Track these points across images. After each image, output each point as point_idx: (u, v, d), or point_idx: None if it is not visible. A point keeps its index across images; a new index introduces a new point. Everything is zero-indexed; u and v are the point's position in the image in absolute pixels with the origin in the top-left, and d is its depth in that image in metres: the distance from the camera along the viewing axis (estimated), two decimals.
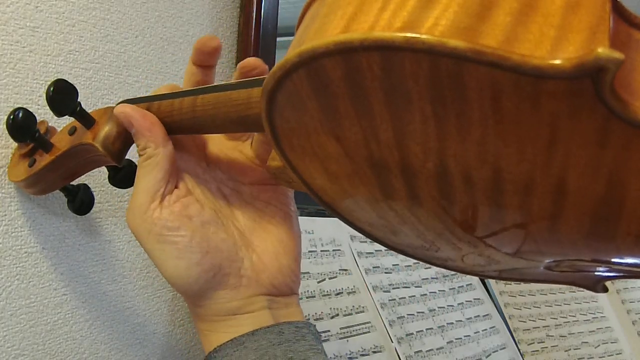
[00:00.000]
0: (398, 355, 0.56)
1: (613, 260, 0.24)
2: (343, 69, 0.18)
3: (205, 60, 0.34)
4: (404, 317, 0.59)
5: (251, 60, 0.33)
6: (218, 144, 0.36)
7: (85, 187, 0.41)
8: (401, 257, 0.32)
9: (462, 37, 0.16)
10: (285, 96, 0.21)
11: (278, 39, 0.54)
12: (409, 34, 0.16)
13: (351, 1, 0.18)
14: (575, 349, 0.77)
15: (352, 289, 0.57)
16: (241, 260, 0.33)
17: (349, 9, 0.18)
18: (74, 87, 0.34)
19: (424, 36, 0.16)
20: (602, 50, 0.15)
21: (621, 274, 0.28)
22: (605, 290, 0.31)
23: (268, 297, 0.33)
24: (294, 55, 0.18)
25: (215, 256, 0.31)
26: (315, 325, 0.35)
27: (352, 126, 0.20)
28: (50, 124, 0.40)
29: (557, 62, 0.15)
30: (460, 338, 0.63)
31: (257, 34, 0.52)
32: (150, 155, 0.31)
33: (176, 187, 0.32)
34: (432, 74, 0.17)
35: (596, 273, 0.29)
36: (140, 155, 0.32)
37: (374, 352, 0.54)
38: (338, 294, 0.55)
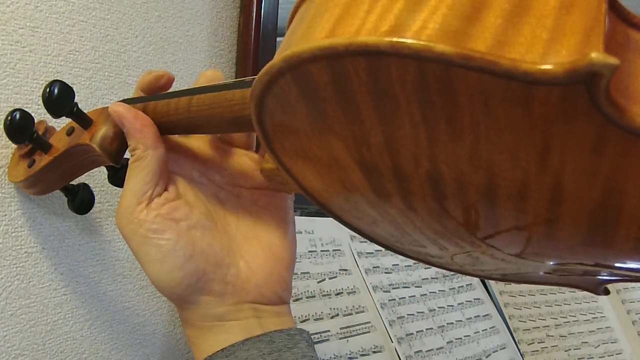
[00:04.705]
0: (398, 355, 0.56)
1: (615, 264, 0.23)
2: (329, 74, 0.17)
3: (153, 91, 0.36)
4: (404, 317, 0.59)
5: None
6: (219, 147, 0.36)
7: (85, 187, 0.41)
8: (401, 257, 0.32)
9: (450, 42, 0.15)
10: (274, 100, 0.20)
11: (278, 39, 0.54)
12: (394, 39, 0.15)
13: (338, 3, 0.18)
14: (575, 349, 0.76)
15: (352, 289, 0.57)
16: (227, 266, 0.32)
17: (336, 11, 0.18)
18: (71, 88, 0.34)
19: (409, 41, 0.15)
20: (596, 55, 0.14)
21: (624, 278, 0.28)
22: (607, 292, 0.31)
23: (255, 305, 0.33)
24: (279, 60, 0.18)
25: (199, 261, 0.31)
26: (308, 332, 0.34)
27: (341, 130, 0.20)
28: (50, 124, 0.40)
29: (548, 67, 0.14)
30: (460, 338, 0.63)
31: (257, 34, 0.52)
32: (140, 157, 0.31)
33: (166, 189, 0.32)
34: (419, 79, 0.16)
35: (598, 277, 0.28)
36: (131, 156, 0.32)
37: (374, 352, 0.54)
38: (338, 294, 0.55)
